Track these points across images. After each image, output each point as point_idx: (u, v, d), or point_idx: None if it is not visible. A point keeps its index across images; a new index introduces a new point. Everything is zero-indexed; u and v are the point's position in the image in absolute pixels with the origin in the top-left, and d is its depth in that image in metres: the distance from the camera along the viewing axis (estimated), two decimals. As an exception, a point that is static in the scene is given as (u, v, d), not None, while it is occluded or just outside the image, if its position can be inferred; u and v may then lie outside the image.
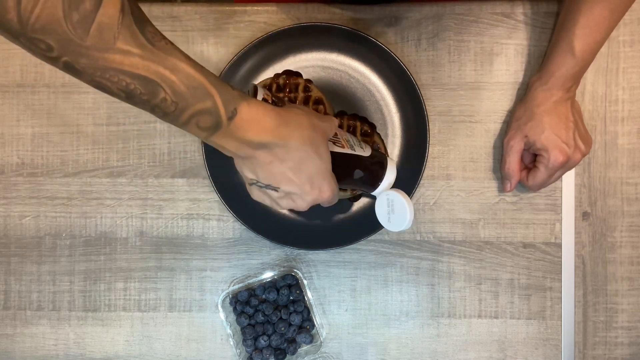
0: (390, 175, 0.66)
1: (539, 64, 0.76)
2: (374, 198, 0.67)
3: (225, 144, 0.51)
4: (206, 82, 0.48)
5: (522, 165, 0.74)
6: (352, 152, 0.63)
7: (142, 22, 0.45)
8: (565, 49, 0.68)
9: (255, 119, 0.50)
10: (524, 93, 0.74)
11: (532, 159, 0.74)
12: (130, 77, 0.45)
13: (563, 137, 0.69)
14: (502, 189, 0.76)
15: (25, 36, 0.43)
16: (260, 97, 0.59)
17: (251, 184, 0.57)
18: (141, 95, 0.46)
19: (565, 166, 0.71)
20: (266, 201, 0.58)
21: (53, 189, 0.78)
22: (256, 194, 0.58)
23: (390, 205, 0.65)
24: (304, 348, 0.75)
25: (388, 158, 0.67)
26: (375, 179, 0.65)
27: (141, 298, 0.77)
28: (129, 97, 0.47)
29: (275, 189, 0.55)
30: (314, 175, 0.55)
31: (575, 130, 0.70)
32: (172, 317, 0.77)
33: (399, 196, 0.64)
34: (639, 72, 0.76)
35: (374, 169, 0.65)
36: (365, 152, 0.64)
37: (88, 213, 0.78)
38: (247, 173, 0.56)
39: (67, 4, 0.42)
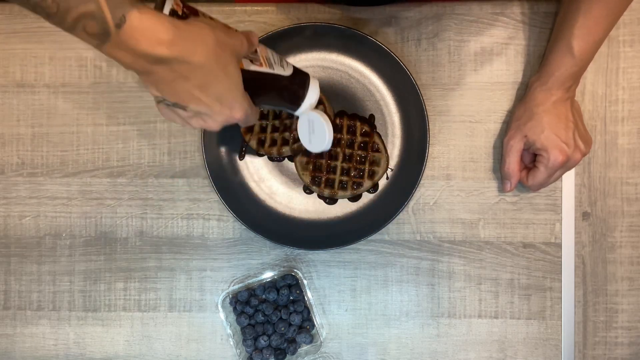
0: (312, 95, 0.64)
1: (538, 64, 0.76)
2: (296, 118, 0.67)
3: (119, 56, 0.46)
4: None
5: (521, 165, 0.74)
6: (270, 71, 0.60)
7: None
8: (564, 49, 0.68)
9: (148, 29, 0.45)
10: (524, 93, 0.74)
11: (532, 158, 0.74)
12: None
13: (563, 136, 0.69)
14: (502, 189, 0.76)
15: None
16: (168, 7, 0.51)
17: (158, 102, 0.53)
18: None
19: (565, 166, 0.71)
20: (177, 120, 0.55)
21: (53, 189, 0.78)
22: (165, 113, 0.54)
23: (311, 126, 0.65)
24: (304, 348, 0.75)
25: (311, 78, 0.65)
26: (295, 98, 0.64)
27: (141, 298, 0.77)
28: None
29: (184, 108, 0.52)
30: (223, 94, 0.52)
31: (575, 129, 0.70)
32: (172, 317, 0.77)
33: (319, 117, 0.63)
34: (639, 72, 0.76)
35: (294, 88, 0.63)
36: (286, 71, 0.62)
37: (88, 213, 0.78)
38: (152, 90, 0.51)
39: None
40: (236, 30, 0.55)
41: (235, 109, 0.54)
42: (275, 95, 0.62)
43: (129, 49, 0.45)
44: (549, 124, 0.69)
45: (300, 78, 0.64)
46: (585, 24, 0.66)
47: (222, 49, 0.50)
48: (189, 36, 0.48)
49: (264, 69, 0.60)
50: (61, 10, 0.44)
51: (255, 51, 0.60)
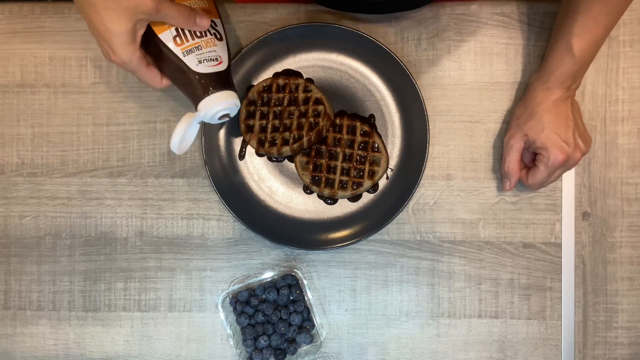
0: (210, 104, 0.62)
1: (538, 63, 0.76)
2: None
3: None
4: None
5: (521, 164, 0.74)
6: (176, 56, 0.61)
7: None
8: (563, 48, 0.68)
9: None
10: (524, 92, 0.74)
11: (531, 158, 0.74)
12: None
13: (563, 135, 0.69)
14: (501, 188, 0.76)
15: None
16: None
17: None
18: None
19: (565, 165, 0.71)
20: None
21: (53, 189, 0.78)
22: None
23: (188, 128, 0.63)
24: (304, 348, 0.75)
25: (228, 93, 0.63)
26: (193, 97, 0.62)
27: (141, 298, 0.77)
28: None
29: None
30: (100, 37, 0.57)
31: (575, 129, 0.70)
32: (172, 317, 0.77)
33: (193, 126, 0.62)
34: (639, 72, 0.76)
35: (193, 88, 0.62)
36: (205, 66, 0.61)
37: (88, 213, 0.78)
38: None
39: None
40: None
41: (115, 53, 0.59)
42: (175, 79, 0.62)
43: None
44: (549, 122, 0.69)
45: (212, 83, 0.62)
46: (585, 23, 0.66)
47: (116, 2, 0.55)
48: None
49: (173, 49, 0.61)
50: None
51: (189, 32, 0.61)
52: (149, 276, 0.77)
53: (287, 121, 0.73)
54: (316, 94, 0.73)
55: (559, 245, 0.76)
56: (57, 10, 0.77)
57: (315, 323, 0.74)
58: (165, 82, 0.64)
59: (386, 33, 0.77)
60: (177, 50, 0.61)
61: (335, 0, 0.75)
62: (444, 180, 0.76)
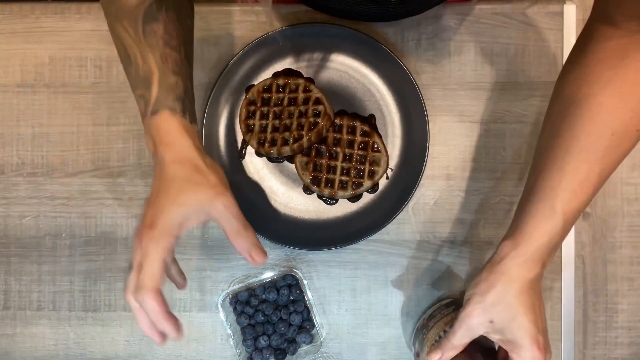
0: None
1: (539, 63, 0.75)
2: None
3: (145, 133, 0.59)
4: (156, 80, 0.57)
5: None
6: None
7: (151, 18, 0.57)
8: (547, 213, 0.55)
9: (164, 127, 0.57)
10: (491, 259, 0.58)
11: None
12: (121, 45, 0.59)
13: (539, 326, 0.56)
14: (502, 187, 0.76)
15: None
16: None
17: None
18: (122, 59, 0.59)
19: None
20: None
21: (53, 189, 0.78)
22: None
23: None
24: (304, 348, 0.75)
25: None
26: None
27: (141, 298, 0.77)
28: (120, 59, 0.60)
29: None
30: (158, 209, 0.55)
31: (544, 313, 0.58)
32: (172, 317, 0.77)
33: None
34: (639, 72, 0.76)
35: None
36: None
37: (88, 213, 0.78)
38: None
39: None
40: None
41: (148, 223, 0.55)
42: None
43: (149, 132, 0.58)
44: (524, 307, 0.55)
45: None
46: (572, 186, 0.54)
47: (193, 186, 0.56)
48: (184, 153, 0.56)
49: None
50: (134, 85, 0.59)
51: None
52: (149, 276, 0.77)
53: (287, 121, 0.73)
54: (316, 94, 0.73)
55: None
56: (57, 10, 0.77)
57: (315, 323, 0.74)
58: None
59: (386, 33, 0.77)
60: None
61: (331, 9, 0.73)
62: (444, 180, 0.77)
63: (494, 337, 0.58)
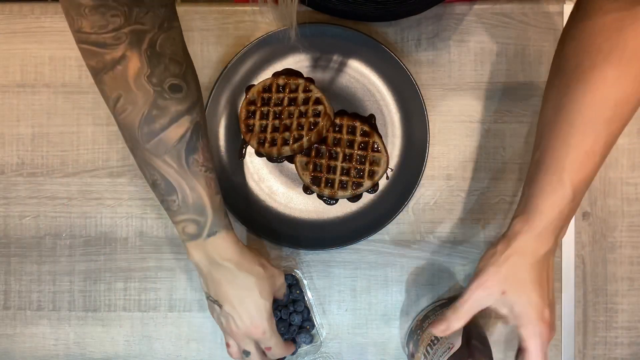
0: None
1: (538, 63, 0.75)
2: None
3: (194, 253, 0.63)
4: (209, 205, 0.61)
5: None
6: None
7: (192, 150, 0.60)
8: (556, 185, 0.56)
9: (225, 245, 0.62)
10: (504, 235, 0.60)
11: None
12: (161, 177, 0.60)
13: (546, 301, 0.57)
14: (501, 188, 0.76)
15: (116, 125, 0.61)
16: None
17: (207, 297, 0.66)
18: (160, 189, 0.61)
19: (550, 341, 0.58)
20: (214, 315, 0.67)
21: (53, 189, 0.78)
22: (209, 307, 0.67)
23: None
24: (304, 348, 0.75)
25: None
26: None
27: (141, 298, 0.77)
28: (152, 185, 0.61)
29: (220, 306, 0.64)
30: (250, 309, 0.63)
31: (552, 288, 0.59)
32: (172, 317, 0.77)
33: None
34: (639, 72, 0.76)
35: None
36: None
37: (88, 213, 0.78)
38: (203, 286, 0.66)
39: (144, 120, 0.58)
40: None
41: (257, 326, 0.64)
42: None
43: (205, 251, 0.62)
44: (534, 284, 0.57)
45: None
46: (579, 158, 0.55)
47: (265, 279, 0.65)
48: (249, 259, 0.64)
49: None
50: (180, 211, 0.61)
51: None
52: (149, 276, 0.77)
53: (287, 121, 0.73)
54: (316, 94, 0.73)
55: (559, 245, 0.76)
56: (57, 10, 0.77)
57: (315, 323, 0.74)
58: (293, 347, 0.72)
59: (386, 33, 0.77)
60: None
61: (331, 9, 0.73)
62: (444, 180, 0.77)
63: (501, 311, 0.58)
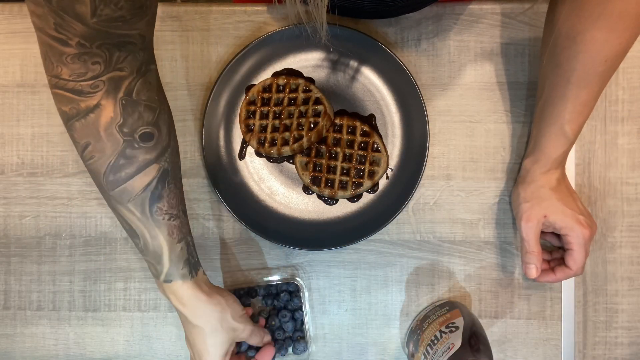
0: None
1: (537, 64, 0.75)
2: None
3: (160, 290, 0.65)
4: (167, 255, 0.62)
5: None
6: None
7: (157, 198, 0.60)
8: (558, 133, 0.68)
9: (180, 293, 0.63)
10: (520, 176, 0.74)
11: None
12: (125, 222, 0.62)
13: (577, 209, 0.70)
14: (501, 188, 0.76)
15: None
16: None
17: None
18: (126, 231, 0.63)
19: (592, 237, 0.70)
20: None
21: (53, 189, 0.78)
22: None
23: None
24: (291, 357, 0.75)
25: None
26: None
27: (141, 298, 0.77)
28: (121, 224, 0.63)
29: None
30: (198, 354, 0.65)
31: (579, 198, 0.72)
32: (172, 317, 0.77)
33: None
34: (639, 72, 0.76)
35: None
36: None
37: (88, 213, 0.78)
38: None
39: (110, 168, 0.58)
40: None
41: None
42: None
43: (164, 292, 0.64)
44: (561, 201, 0.70)
45: None
46: (576, 109, 0.66)
47: (216, 333, 0.65)
48: (200, 310, 0.64)
49: None
50: (143, 253, 0.63)
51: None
52: (149, 276, 0.77)
53: (287, 121, 0.73)
54: (316, 94, 0.73)
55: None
56: (57, 10, 0.77)
57: (306, 335, 0.74)
58: None
59: (386, 33, 0.77)
60: None
61: (331, 6, 0.74)
62: (444, 180, 0.77)
63: (549, 230, 0.71)
